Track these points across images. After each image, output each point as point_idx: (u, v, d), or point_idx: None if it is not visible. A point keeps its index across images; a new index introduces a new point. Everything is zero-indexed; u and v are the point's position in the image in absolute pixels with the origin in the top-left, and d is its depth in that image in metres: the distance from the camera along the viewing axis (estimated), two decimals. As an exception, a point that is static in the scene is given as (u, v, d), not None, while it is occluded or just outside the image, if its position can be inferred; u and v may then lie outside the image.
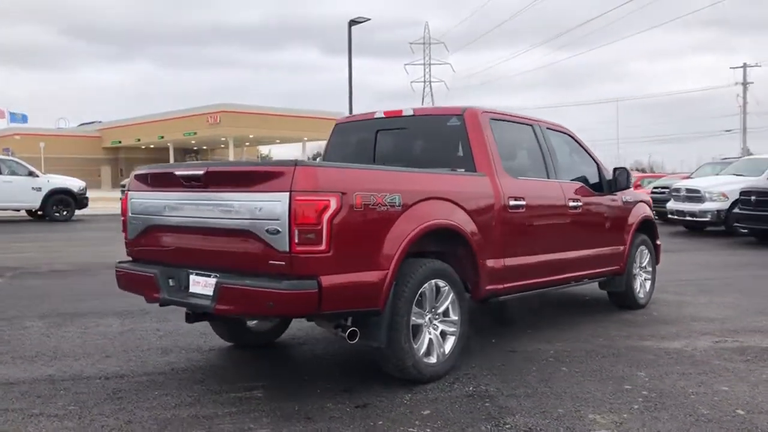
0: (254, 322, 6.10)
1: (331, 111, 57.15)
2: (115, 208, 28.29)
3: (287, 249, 4.31)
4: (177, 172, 4.92)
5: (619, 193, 7.58)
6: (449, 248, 5.32)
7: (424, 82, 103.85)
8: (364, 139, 6.66)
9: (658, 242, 8.61)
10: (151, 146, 68.48)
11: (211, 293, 4.71)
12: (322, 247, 4.30)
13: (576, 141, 7.33)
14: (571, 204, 6.73)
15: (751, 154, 42.09)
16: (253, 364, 5.76)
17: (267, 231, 4.38)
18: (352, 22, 33.40)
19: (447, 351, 5.20)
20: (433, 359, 5.08)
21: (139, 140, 66.19)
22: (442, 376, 5.15)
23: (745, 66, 59.40)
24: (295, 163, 4.34)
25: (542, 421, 4.30)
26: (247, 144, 70.01)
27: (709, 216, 17.46)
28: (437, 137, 6.13)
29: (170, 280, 5.04)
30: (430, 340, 5.11)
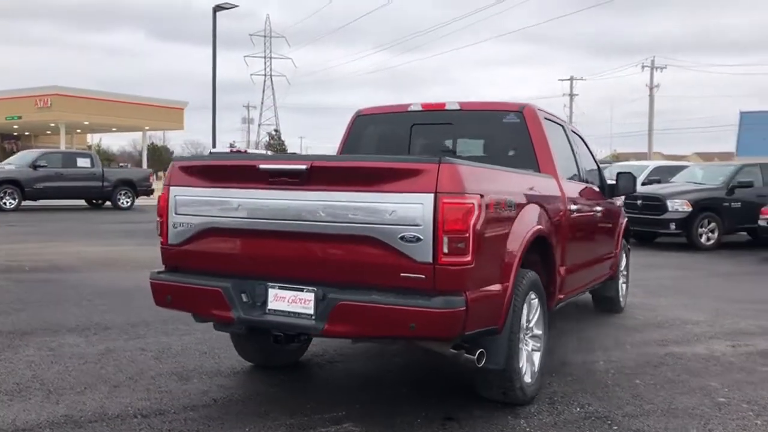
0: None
1: (175, 99, 54.16)
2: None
3: (430, 260, 3.68)
4: (262, 166, 4.07)
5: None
6: (538, 257, 4.91)
7: (265, 75, 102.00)
8: (395, 133, 6.05)
9: (628, 246, 8.75)
10: (-40, 131, 60.94)
11: (310, 311, 3.97)
12: (468, 258, 3.72)
13: (585, 142, 7.19)
14: (597, 208, 6.57)
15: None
16: (304, 388, 4.99)
17: (401, 238, 3.71)
18: (218, 8, 31.79)
19: (536, 369, 4.78)
20: (528, 378, 4.64)
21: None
22: (535, 396, 4.73)
23: (572, 78, 64.23)
24: (440, 160, 3.72)
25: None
26: (78, 131, 64.58)
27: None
28: (490, 135, 5.68)
29: (243, 295, 4.18)
30: (525, 358, 4.67)
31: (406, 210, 3.72)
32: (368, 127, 6.17)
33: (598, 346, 6.40)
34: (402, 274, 3.76)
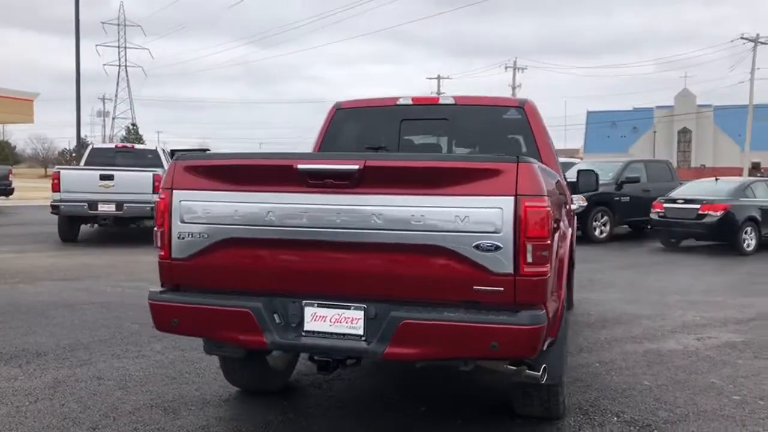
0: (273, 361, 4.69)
1: (24, 90, 49.79)
2: None
3: (510, 270, 3.30)
4: (301, 166, 3.50)
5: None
6: None
7: (119, 66, 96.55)
8: (382, 128, 5.58)
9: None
10: None
11: (359, 331, 3.48)
12: (548, 267, 3.38)
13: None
14: (571, 206, 6.45)
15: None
16: (314, 414, 4.43)
17: (476, 247, 3.30)
18: (77, -8, 29.38)
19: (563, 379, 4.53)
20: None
21: None
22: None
23: (438, 77, 65.66)
24: (518, 159, 3.34)
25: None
26: None
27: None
28: (490, 131, 5.36)
29: (275, 316, 3.59)
30: (556, 367, 4.40)
31: (482, 215, 3.31)
32: (349, 122, 5.65)
33: (578, 347, 6.28)
34: (475, 287, 3.35)
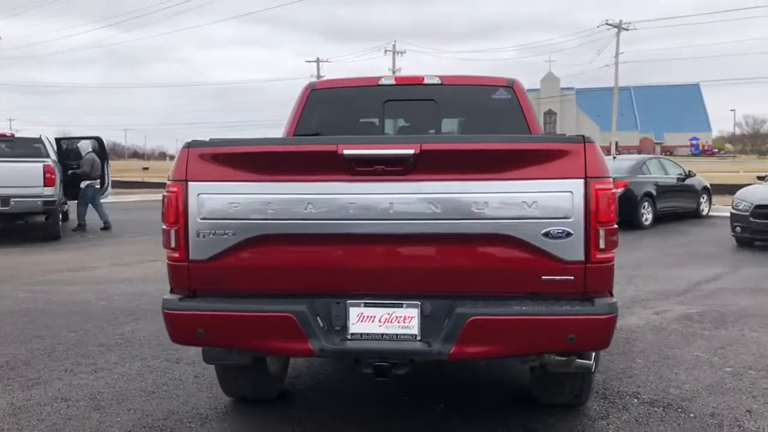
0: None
1: None
2: None
3: (582, 257, 3.12)
4: (347, 151, 3.13)
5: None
6: None
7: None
8: (364, 109, 5.25)
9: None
10: None
11: (414, 331, 3.20)
12: (614, 253, 3.23)
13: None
14: None
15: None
16: (324, 420, 4.08)
17: (546, 235, 3.10)
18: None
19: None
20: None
21: None
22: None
23: (318, 60, 65.11)
24: (584, 139, 3.16)
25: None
26: None
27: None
28: (479, 112, 5.15)
29: (318, 319, 3.23)
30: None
31: (551, 200, 3.10)
32: (326, 104, 5.26)
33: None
34: (544, 278, 3.14)
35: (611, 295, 3.23)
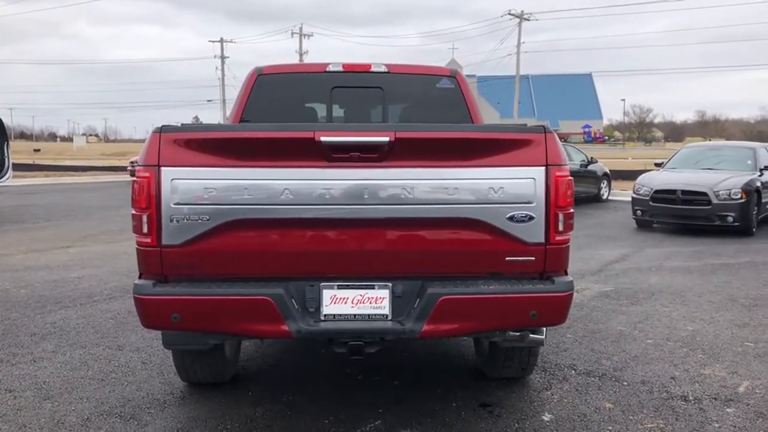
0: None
1: None
2: None
3: (542, 240, 3.36)
4: (324, 138, 3.22)
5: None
6: None
7: None
8: (310, 96, 5.31)
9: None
10: None
11: (385, 311, 3.36)
12: (570, 235, 3.50)
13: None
14: None
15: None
16: (289, 400, 4.17)
17: (510, 219, 3.32)
18: None
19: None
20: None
21: None
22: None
23: (222, 41, 63.55)
24: (545, 129, 3.39)
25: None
26: None
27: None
28: (424, 101, 5.32)
29: (293, 301, 3.32)
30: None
31: (515, 186, 3.32)
32: (273, 89, 5.27)
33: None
34: (507, 258, 3.36)
35: (566, 273, 3.49)
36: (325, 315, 3.36)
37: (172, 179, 3.26)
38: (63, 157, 54.44)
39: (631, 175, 21.27)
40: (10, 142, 16.29)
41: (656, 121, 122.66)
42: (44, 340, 5.46)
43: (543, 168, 3.33)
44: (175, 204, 3.26)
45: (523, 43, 49.08)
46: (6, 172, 15.22)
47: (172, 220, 3.27)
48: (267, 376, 4.65)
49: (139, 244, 3.36)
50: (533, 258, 3.37)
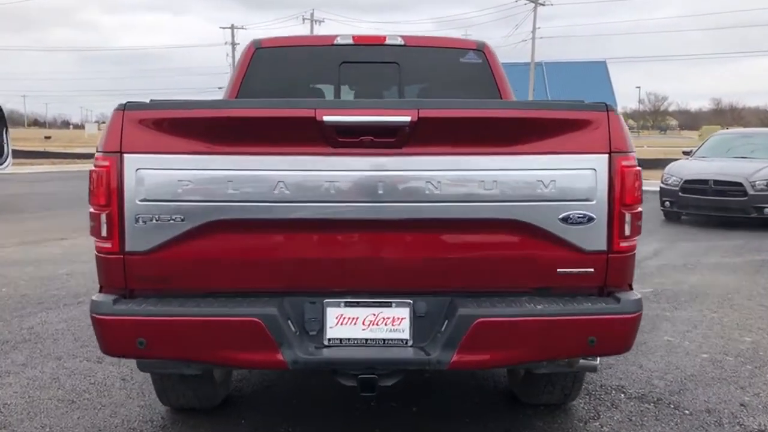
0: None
1: None
2: None
3: (604, 246, 2.67)
4: (327, 118, 2.53)
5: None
6: None
7: None
8: (317, 71, 4.62)
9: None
10: None
11: (405, 335, 2.67)
12: (636, 240, 2.80)
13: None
14: None
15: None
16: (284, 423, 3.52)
17: (564, 220, 2.63)
18: None
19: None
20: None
21: None
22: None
23: (233, 27, 62.85)
24: (606, 107, 2.68)
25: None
26: None
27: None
28: (446, 78, 4.61)
29: (290, 323, 2.65)
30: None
31: (571, 179, 2.62)
32: (274, 64, 4.58)
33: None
34: (559, 270, 2.67)
35: (631, 288, 2.80)
36: (329, 339, 2.69)
37: (138, 169, 2.59)
38: (74, 144, 53.95)
39: (649, 164, 20.43)
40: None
41: (671, 109, 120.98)
42: (16, 349, 4.83)
43: (605, 156, 2.63)
44: (141, 200, 2.60)
45: (539, 28, 48.03)
46: (5, 160, 14.67)
47: (137, 221, 2.60)
48: (263, 400, 3.99)
49: (98, 250, 2.70)
50: (592, 269, 2.68)
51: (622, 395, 4.01)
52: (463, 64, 4.58)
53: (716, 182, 11.61)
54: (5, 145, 14.47)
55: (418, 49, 4.60)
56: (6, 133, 14.67)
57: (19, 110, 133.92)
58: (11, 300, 6.22)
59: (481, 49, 4.58)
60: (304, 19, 55.69)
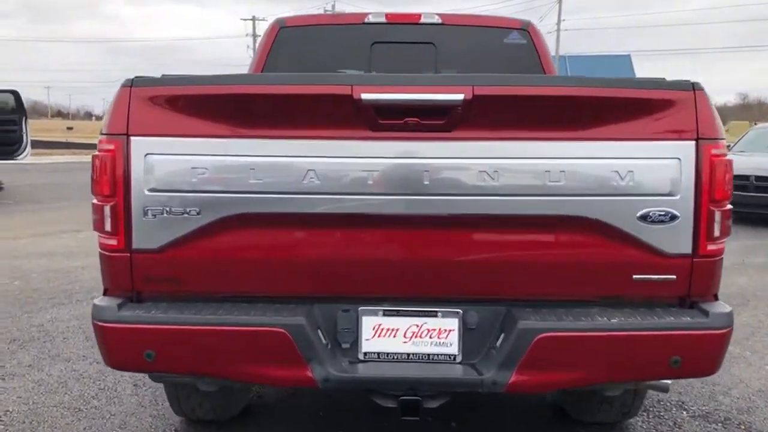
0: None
1: None
2: None
3: (689, 249, 2.27)
4: (365, 95, 2.16)
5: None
6: None
7: None
8: (346, 52, 4.24)
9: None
10: None
11: (453, 350, 2.28)
12: (724, 243, 2.41)
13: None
14: None
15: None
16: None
17: (643, 218, 2.23)
18: None
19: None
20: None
21: None
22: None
23: (254, 19, 62.62)
24: (693, 86, 2.28)
25: None
26: None
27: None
28: (487, 59, 4.21)
29: (320, 333, 2.28)
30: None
31: (652, 170, 2.23)
32: (300, 44, 4.22)
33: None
34: (635, 277, 2.28)
35: (717, 299, 2.41)
36: (365, 354, 2.33)
37: (147, 154, 2.24)
38: (95, 135, 54.02)
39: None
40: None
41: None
42: (23, 348, 4.54)
43: (692, 143, 2.24)
44: (150, 190, 2.24)
45: (564, 20, 47.23)
46: (24, 149, 14.48)
47: (146, 214, 2.25)
48: (285, 411, 3.64)
49: (101, 247, 2.36)
50: (674, 276, 2.28)
51: (684, 413, 3.61)
52: (507, 45, 4.18)
53: (758, 178, 11.06)
54: (24, 135, 14.28)
55: (456, 28, 4.21)
56: (26, 122, 14.49)
57: (43, 101, 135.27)
58: (22, 294, 5.94)
59: (526, 29, 4.19)
60: (325, 10, 55.38)
